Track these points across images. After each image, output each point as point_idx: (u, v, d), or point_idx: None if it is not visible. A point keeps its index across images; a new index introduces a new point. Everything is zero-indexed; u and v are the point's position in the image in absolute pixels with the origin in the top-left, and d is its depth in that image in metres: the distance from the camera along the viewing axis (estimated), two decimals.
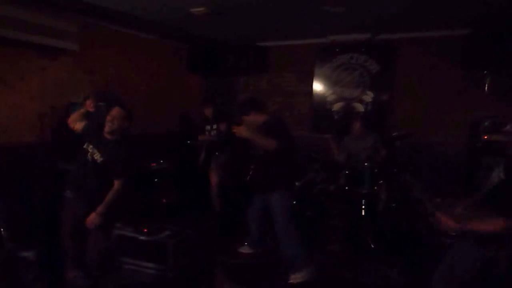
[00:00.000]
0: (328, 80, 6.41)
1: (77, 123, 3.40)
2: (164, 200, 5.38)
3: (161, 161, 5.41)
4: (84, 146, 3.32)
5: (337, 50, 6.28)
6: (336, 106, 6.41)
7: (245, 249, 4.28)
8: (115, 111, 3.30)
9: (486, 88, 5.24)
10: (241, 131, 3.44)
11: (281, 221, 3.54)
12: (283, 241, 3.55)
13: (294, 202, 4.17)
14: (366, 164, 4.74)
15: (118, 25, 5.32)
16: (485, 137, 4.82)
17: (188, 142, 5.64)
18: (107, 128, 3.28)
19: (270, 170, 3.64)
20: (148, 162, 5.25)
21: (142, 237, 3.73)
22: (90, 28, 4.96)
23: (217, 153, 5.40)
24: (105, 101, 4.61)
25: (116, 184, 3.28)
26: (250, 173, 4.32)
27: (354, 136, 5.10)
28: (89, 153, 3.28)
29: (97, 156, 3.26)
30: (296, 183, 5.18)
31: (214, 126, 5.43)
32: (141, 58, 5.88)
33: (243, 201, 4.19)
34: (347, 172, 4.84)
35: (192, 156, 5.73)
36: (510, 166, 2.52)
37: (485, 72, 5.21)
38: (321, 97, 6.50)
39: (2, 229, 3.59)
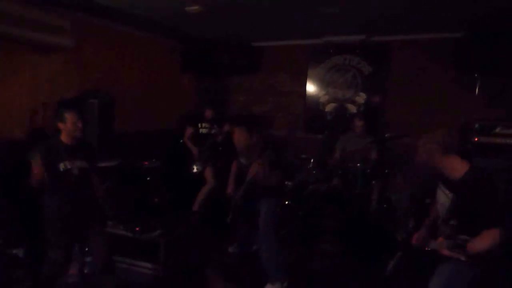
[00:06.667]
0: (321, 81, 6.44)
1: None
2: (156, 199, 5.35)
3: (154, 160, 5.37)
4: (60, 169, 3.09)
5: (331, 51, 6.30)
6: (329, 107, 6.44)
7: (233, 249, 4.39)
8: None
9: (477, 90, 5.31)
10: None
11: (263, 228, 3.56)
12: (262, 247, 3.57)
13: (279, 211, 4.11)
14: (358, 164, 4.78)
15: (112, 22, 5.27)
16: (476, 139, 4.88)
17: (181, 141, 5.62)
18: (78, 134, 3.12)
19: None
20: (141, 161, 5.22)
21: (134, 236, 3.72)
22: (84, 25, 4.91)
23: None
24: (97, 98, 4.60)
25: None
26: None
27: (355, 134, 5.13)
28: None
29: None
30: (288, 183, 5.20)
31: (214, 126, 5.59)
32: (134, 56, 5.82)
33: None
34: (340, 172, 4.86)
35: (184, 155, 5.70)
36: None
37: (476, 75, 5.27)
38: (314, 98, 6.52)
39: None
